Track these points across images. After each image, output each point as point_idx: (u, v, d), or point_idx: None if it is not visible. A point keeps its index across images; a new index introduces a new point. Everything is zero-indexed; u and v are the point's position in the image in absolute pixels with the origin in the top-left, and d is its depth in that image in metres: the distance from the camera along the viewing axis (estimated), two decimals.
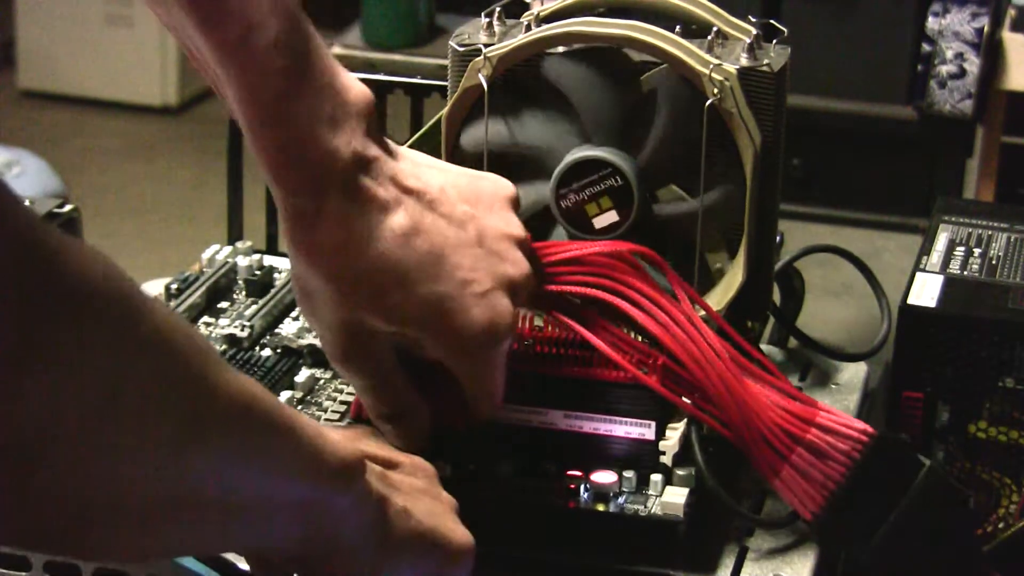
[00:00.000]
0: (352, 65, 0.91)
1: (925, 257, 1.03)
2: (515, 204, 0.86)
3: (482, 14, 1.00)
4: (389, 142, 0.82)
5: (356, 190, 0.79)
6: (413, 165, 0.82)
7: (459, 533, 0.78)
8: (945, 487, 0.88)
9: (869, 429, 0.87)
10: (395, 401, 0.85)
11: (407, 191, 0.81)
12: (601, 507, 0.88)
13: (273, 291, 1.10)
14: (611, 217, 0.96)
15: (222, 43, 0.76)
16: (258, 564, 0.76)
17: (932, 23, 1.72)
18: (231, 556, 0.83)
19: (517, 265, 0.84)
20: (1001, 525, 0.96)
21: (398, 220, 0.80)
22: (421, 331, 0.81)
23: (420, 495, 0.78)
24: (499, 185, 0.86)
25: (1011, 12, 1.74)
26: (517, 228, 0.85)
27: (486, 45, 0.98)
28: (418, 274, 0.80)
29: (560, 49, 0.98)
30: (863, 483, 0.87)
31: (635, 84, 0.97)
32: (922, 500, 0.87)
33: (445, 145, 0.99)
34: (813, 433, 0.87)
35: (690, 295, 0.89)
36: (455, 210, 0.82)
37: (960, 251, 1.04)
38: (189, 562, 0.83)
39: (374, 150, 0.80)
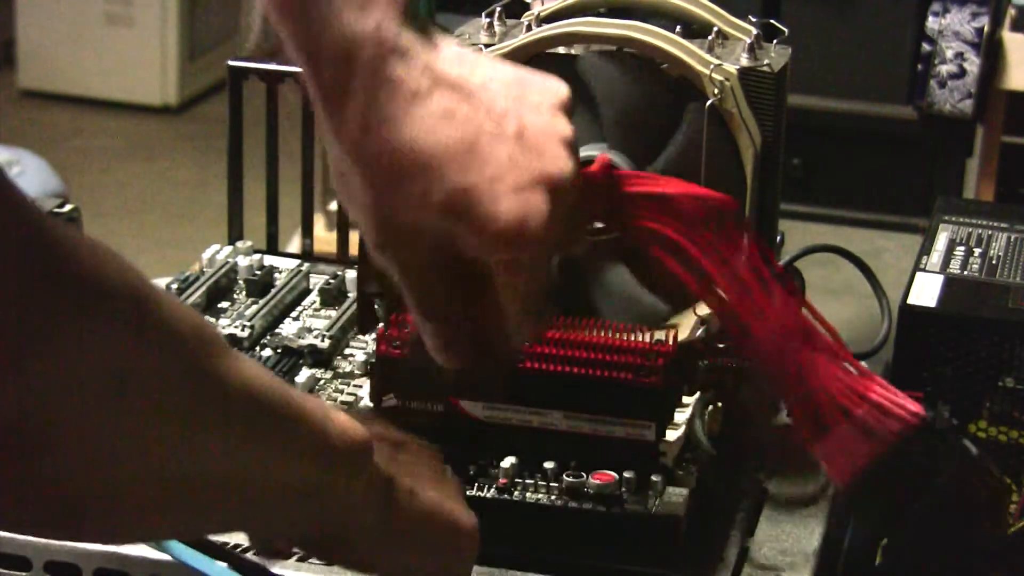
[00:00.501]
0: None
1: (925, 257, 1.03)
2: (565, 108, 0.81)
3: (482, 14, 1.00)
4: (435, 31, 0.79)
5: (386, 73, 0.76)
6: (457, 55, 0.79)
7: (465, 515, 0.78)
8: (982, 474, 0.87)
9: (921, 411, 0.86)
10: (433, 305, 0.82)
11: (443, 79, 0.77)
12: (601, 507, 0.88)
13: (273, 291, 1.10)
14: None
15: None
16: (260, 544, 0.76)
17: (932, 23, 1.72)
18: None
19: (558, 163, 0.78)
20: None
21: (428, 107, 0.76)
22: (448, 221, 0.77)
23: (427, 477, 0.78)
24: (549, 85, 0.81)
25: (1011, 12, 1.75)
26: (563, 128, 0.79)
27: (487, 45, 0.98)
28: (446, 162, 0.76)
29: (594, 48, 0.97)
30: (904, 463, 0.86)
31: (665, 99, 0.96)
32: (957, 486, 0.87)
33: None
34: (865, 408, 0.86)
35: (767, 256, 0.88)
36: (495, 103, 0.78)
37: (960, 251, 1.04)
38: (195, 560, 0.84)
39: (408, 34, 0.77)
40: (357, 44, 0.76)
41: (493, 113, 0.77)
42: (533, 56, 0.98)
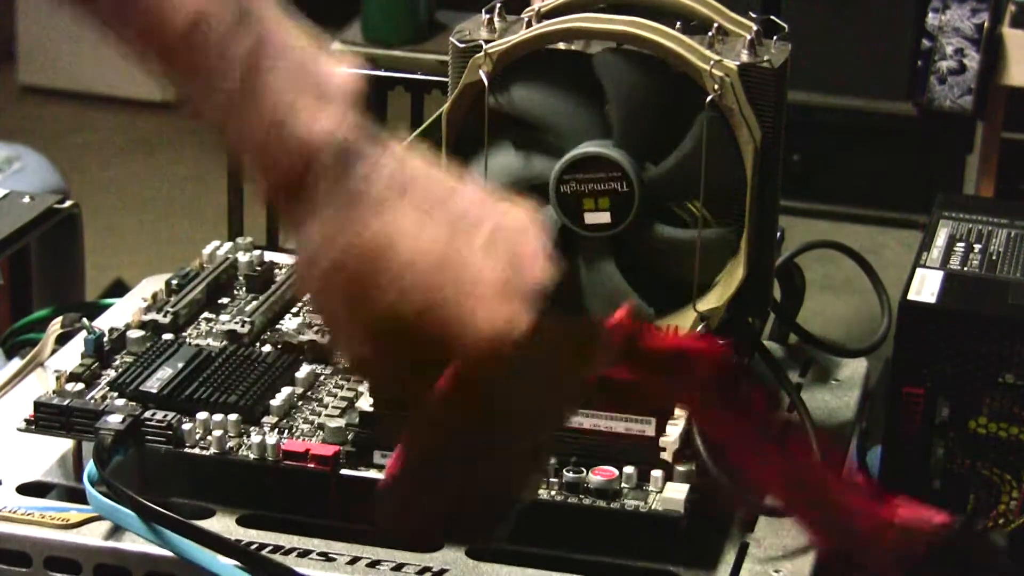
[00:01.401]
0: (352, 61, 0.90)
1: (925, 253, 1.03)
2: (534, 223, 0.77)
3: (482, 10, 1.00)
4: (397, 143, 0.76)
5: (350, 180, 0.73)
6: (423, 163, 0.76)
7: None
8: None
9: (946, 520, 0.85)
10: (418, 430, 0.77)
11: (410, 187, 0.74)
12: (602, 503, 0.88)
13: (273, 287, 1.10)
14: (603, 218, 0.96)
15: (169, 42, 0.73)
16: None
17: (932, 19, 1.72)
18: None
19: (536, 270, 0.75)
20: (1001, 521, 0.96)
21: (396, 216, 0.73)
22: (425, 333, 0.74)
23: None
24: (519, 209, 0.77)
25: (1011, 8, 1.75)
26: (537, 238, 0.76)
27: (487, 41, 0.98)
28: (418, 273, 0.73)
29: (607, 45, 0.97)
30: (941, 571, 0.86)
31: (676, 101, 0.96)
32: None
33: (445, 142, 0.99)
34: (893, 533, 0.84)
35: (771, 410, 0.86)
36: (467, 212, 0.75)
37: (960, 247, 1.04)
38: (203, 557, 0.84)
39: (369, 136, 0.74)
40: (315, 147, 0.72)
41: (464, 221, 0.74)
42: (545, 53, 0.98)
